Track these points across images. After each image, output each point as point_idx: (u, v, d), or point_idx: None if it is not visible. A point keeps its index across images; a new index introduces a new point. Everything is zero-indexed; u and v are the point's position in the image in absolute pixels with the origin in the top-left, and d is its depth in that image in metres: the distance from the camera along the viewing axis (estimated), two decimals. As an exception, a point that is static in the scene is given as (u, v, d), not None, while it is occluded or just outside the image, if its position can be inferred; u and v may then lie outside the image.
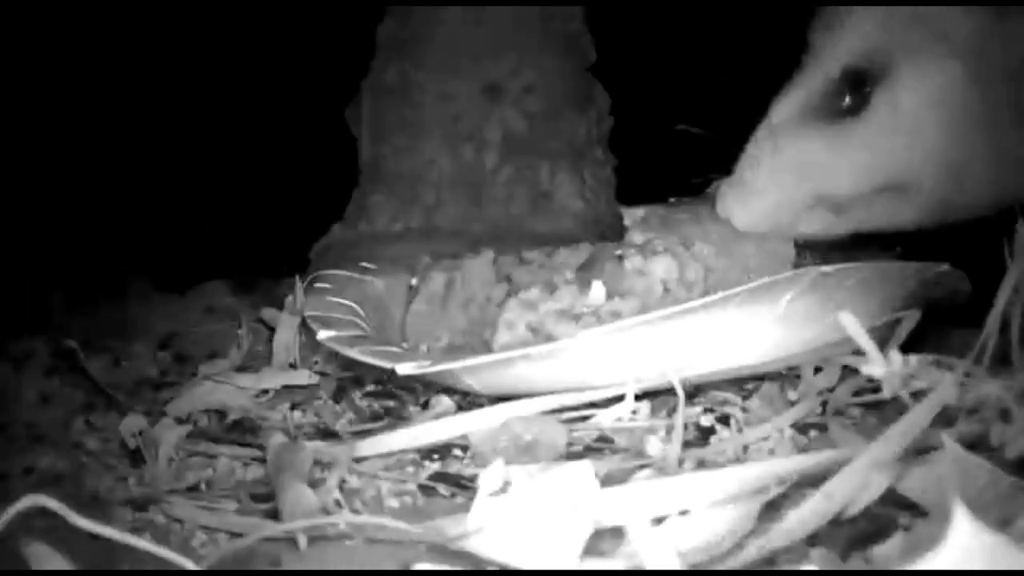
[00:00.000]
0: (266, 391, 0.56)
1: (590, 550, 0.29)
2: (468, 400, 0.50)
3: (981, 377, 0.36)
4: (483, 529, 0.30)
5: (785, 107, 0.47)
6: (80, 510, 0.25)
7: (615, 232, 0.53)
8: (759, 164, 0.47)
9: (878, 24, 0.45)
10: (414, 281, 0.61)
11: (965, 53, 0.43)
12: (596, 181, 0.96)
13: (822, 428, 0.43)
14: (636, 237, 0.52)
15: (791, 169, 0.47)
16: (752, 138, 0.48)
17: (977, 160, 0.44)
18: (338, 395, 0.57)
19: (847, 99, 0.45)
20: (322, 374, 0.59)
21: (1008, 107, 0.43)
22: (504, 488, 0.30)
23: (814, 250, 0.51)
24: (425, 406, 0.52)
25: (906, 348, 0.36)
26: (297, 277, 0.62)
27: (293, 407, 0.54)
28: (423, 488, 0.40)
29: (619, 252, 0.51)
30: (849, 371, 0.43)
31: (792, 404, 0.45)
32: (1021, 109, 0.43)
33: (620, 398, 0.44)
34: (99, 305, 0.84)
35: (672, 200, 0.54)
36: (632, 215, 0.53)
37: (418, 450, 0.44)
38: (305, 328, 0.58)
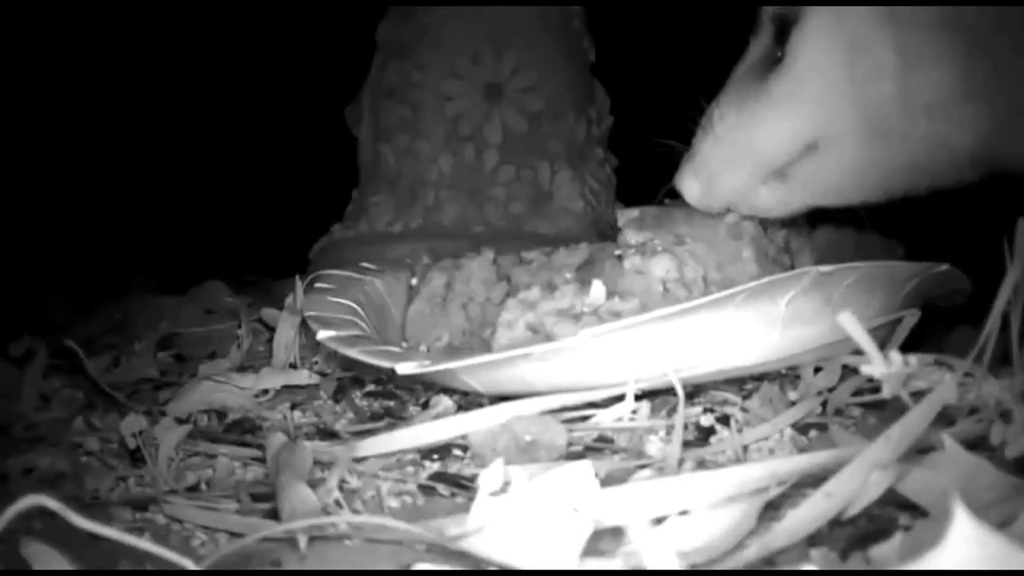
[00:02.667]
0: (266, 391, 0.56)
1: (590, 550, 0.28)
2: (468, 400, 0.50)
3: (981, 377, 0.36)
4: (483, 529, 0.30)
5: (734, 76, 0.47)
6: (80, 510, 0.25)
7: (615, 232, 0.53)
8: (706, 135, 0.47)
9: None
10: (414, 281, 0.61)
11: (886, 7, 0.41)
12: (596, 181, 0.96)
13: (822, 428, 0.43)
14: (631, 237, 0.52)
15: (734, 136, 0.46)
16: (705, 112, 0.47)
17: (899, 113, 0.42)
18: (338, 395, 0.57)
19: (778, 51, 0.44)
20: (322, 374, 0.59)
21: (939, 59, 0.41)
22: (504, 488, 0.30)
23: (793, 229, 0.51)
24: (425, 406, 0.52)
25: (906, 348, 0.36)
26: (297, 277, 0.62)
27: (293, 407, 0.54)
28: (423, 488, 0.40)
29: (618, 252, 0.51)
30: (849, 371, 0.43)
31: (792, 404, 0.44)
32: (956, 64, 0.41)
33: (620, 398, 0.44)
34: (99, 305, 0.84)
35: (667, 201, 0.54)
36: (626, 215, 0.53)
37: (418, 450, 0.44)
38: (305, 328, 0.58)
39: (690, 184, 0.47)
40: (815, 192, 0.46)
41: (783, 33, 0.44)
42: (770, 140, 0.45)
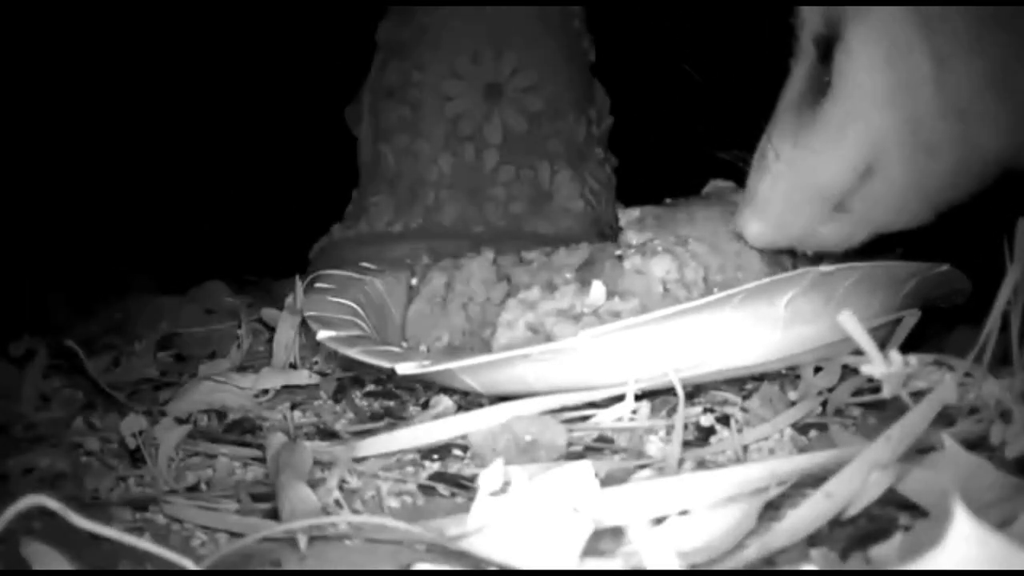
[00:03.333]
0: (266, 391, 0.56)
1: (590, 550, 0.28)
2: (468, 400, 0.50)
3: (981, 377, 0.36)
4: (483, 529, 0.30)
5: (781, 106, 0.46)
6: (80, 510, 0.25)
7: (615, 232, 0.53)
8: (763, 173, 0.46)
9: None
10: (414, 281, 0.61)
11: (917, 11, 0.40)
12: (596, 181, 0.96)
13: (822, 428, 0.43)
14: (632, 237, 0.52)
15: (794, 172, 0.44)
16: (757, 147, 0.46)
17: (938, 120, 0.41)
18: (338, 395, 0.57)
19: (825, 74, 0.43)
20: (322, 374, 0.59)
21: (970, 60, 0.40)
22: (504, 488, 0.30)
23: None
24: (425, 406, 0.52)
25: (906, 348, 0.36)
26: (297, 277, 0.62)
27: (293, 407, 0.54)
28: (423, 488, 0.40)
29: (618, 252, 0.51)
30: (849, 371, 0.43)
31: (792, 404, 0.44)
32: (985, 64, 0.40)
33: (620, 398, 0.44)
34: (99, 305, 0.84)
35: (668, 201, 0.54)
36: (628, 215, 0.53)
37: (418, 450, 0.44)
38: (305, 328, 0.58)
39: (755, 227, 0.46)
40: (876, 219, 0.45)
41: (827, 55, 0.42)
42: (833, 171, 0.43)
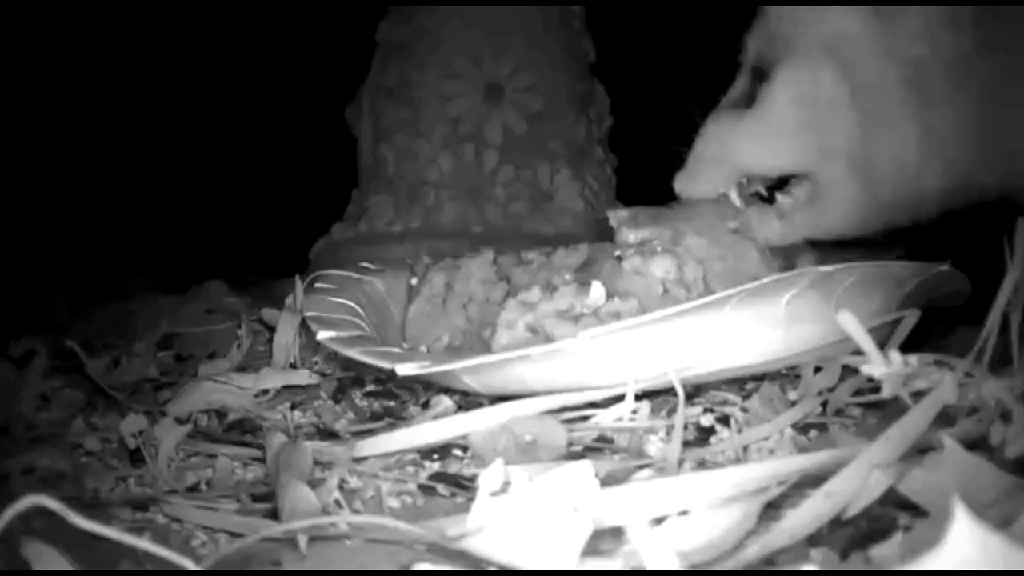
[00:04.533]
0: (266, 391, 0.56)
1: (590, 550, 0.28)
2: (468, 400, 0.50)
3: (981, 377, 0.36)
4: (483, 529, 0.30)
5: (723, 102, 0.53)
6: (80, 510, 0.25)
7: (612, 232, 0.53)
8: (696, 148, 0.52)
9: (773, 24, 0.49)
10: (414, 281, 0.61)
11: (840, 55, 0.46)
12: (596, 181, 0.96)
13: (822, 428, 0.43)
14: (629, 236, 0.52)
15: (709, 132, 0.52)
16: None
17: (865, 159, 0.47)
18: (338, 395, 0.57)
19: (755, 92, 0.50)
20: (322, 374, 0.59)
21: (897, 120, 0.46)
22: (504, 488, 0.30)
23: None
24: (425, 406, 0.52)
25: (906, 348, 0.36)
26: (297, 277, 0.62)
27: (293, 407, 0.54)
28: (423, 488, 0.40)
29: (618, 252, 0.51)
30: (849, 371, 0.43)
31: (792, 404, 0.44)
32: (921, 115, 0.45)
33: (620, 398, 0.44)
34: (99, 305, 0.84)
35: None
36: (617, 216, 0.53)
37: (418, 450, 0.44)
38: (305, 328, 0.58)
39: (679, 186, 0.53)
40: (808, 227, 0.50)
41: (759, 79, 0.49)
42: (749, 160, 0.50)
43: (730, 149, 0.51)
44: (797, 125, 0.48)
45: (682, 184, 0.53)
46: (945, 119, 0.45)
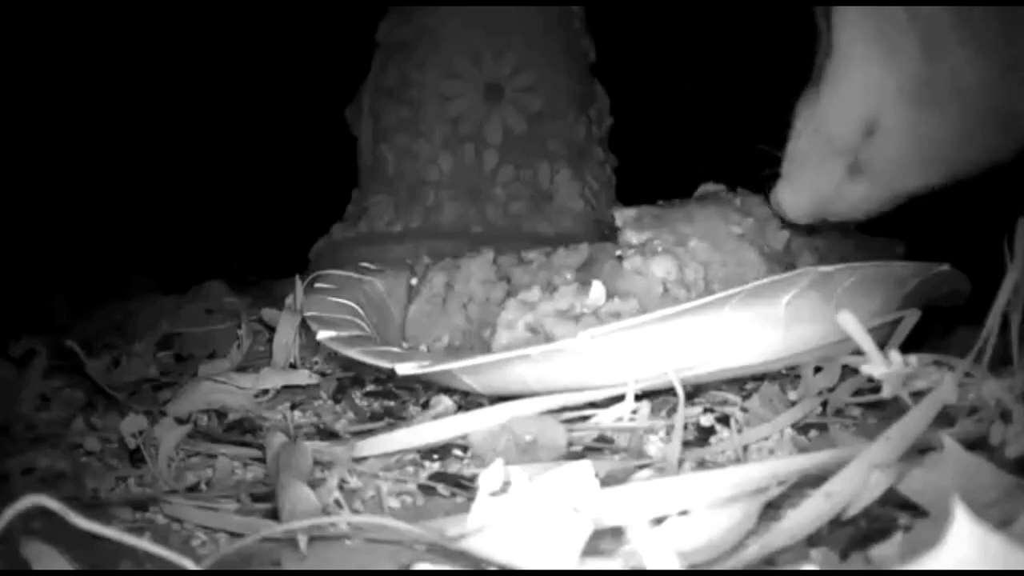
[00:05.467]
0: (266, 391, 0.56)
1: (590, 550, 0.28)
2: (468, 400, 0.50)
3: (981, 377, 0.35)
4: (483, 529, 0.30)
5: (804, 96, 0.48)
6: (80, 510, 0.25)
7: (614, 232, 0.53)
8: (789, 151, 0.48)
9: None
10: (414, 281, 0.61)
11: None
12: (596, 181, 0.96)
13: (822, 428, 0.43)
14: (632, 237, 0.52)
15: (806, 128, 0.47)
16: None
17: (940, 90, 0.43)
18: (338, 395, 0.57)
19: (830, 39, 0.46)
20: (322, 374, 0.59)
21: (962, 48, 0.42)
22: (504, 488, 0.30)
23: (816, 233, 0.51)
24: (425, 406, 0.52)
25: (906, 348, 0.36)
26: (297, 277, 0.62)
27: (293, 407, 0.54)
28: (423, 488, 0.40)
29: (618, 252, 0.51)
30: (849, 371, 0.43)
31: (792, 404, 0.44)
32: (984, 48, 0.42)
33: (620, 398, 0.44)
34: (99, 305, 0.84)
35: (661, 203, 0.54)
36: (624, 215, 0.53)
37: (418, 450, 0.44)
38: (305, 328, 0.58)
39: (788, 197, 0.48)
40: (890, 180, 0.46)
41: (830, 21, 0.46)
42: (836, 123, 0.46)
43: (818, 129, 0.46)
44: (872, 64, 0.44)
45: (785, 196, 0.48)
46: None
